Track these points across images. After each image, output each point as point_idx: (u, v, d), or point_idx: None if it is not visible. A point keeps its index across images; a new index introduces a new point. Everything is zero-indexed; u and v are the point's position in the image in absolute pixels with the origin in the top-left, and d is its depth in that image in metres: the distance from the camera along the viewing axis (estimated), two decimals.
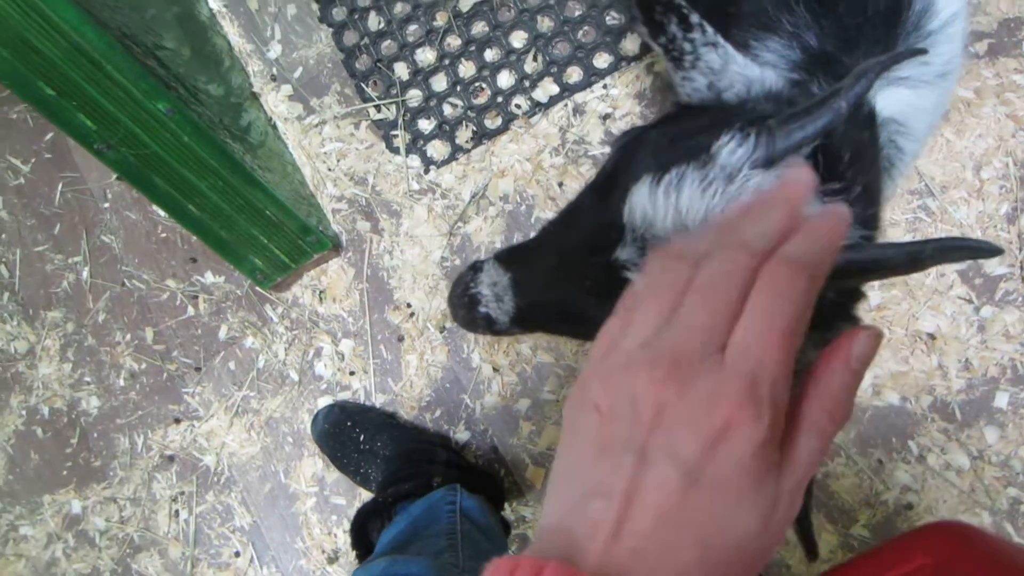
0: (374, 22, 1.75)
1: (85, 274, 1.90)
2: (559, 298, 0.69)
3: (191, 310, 1.84)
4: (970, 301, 1.57)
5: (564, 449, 0.50)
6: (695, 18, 0.64)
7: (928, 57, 0.77)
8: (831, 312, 0.58)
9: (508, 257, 0.76)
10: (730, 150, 0.55)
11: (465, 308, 0.76)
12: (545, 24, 1.70)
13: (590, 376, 0.50)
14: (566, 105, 1.69)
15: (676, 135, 0.60)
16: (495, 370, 1.70)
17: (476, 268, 0.77)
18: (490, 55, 1.71)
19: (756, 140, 0.54)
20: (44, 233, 1.93)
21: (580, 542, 0.44)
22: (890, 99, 0.74)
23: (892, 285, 1.60)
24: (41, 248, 1.93)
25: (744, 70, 0.65)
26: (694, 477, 0.42)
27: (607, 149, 1.68)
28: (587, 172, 1.69)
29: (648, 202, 0.58)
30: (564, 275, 0.67)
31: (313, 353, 1.78)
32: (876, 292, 1.60)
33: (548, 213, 1.68)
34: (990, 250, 0.50)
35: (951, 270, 1.58)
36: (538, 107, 1.69)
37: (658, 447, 0.44)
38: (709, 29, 0.64)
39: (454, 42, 1.73)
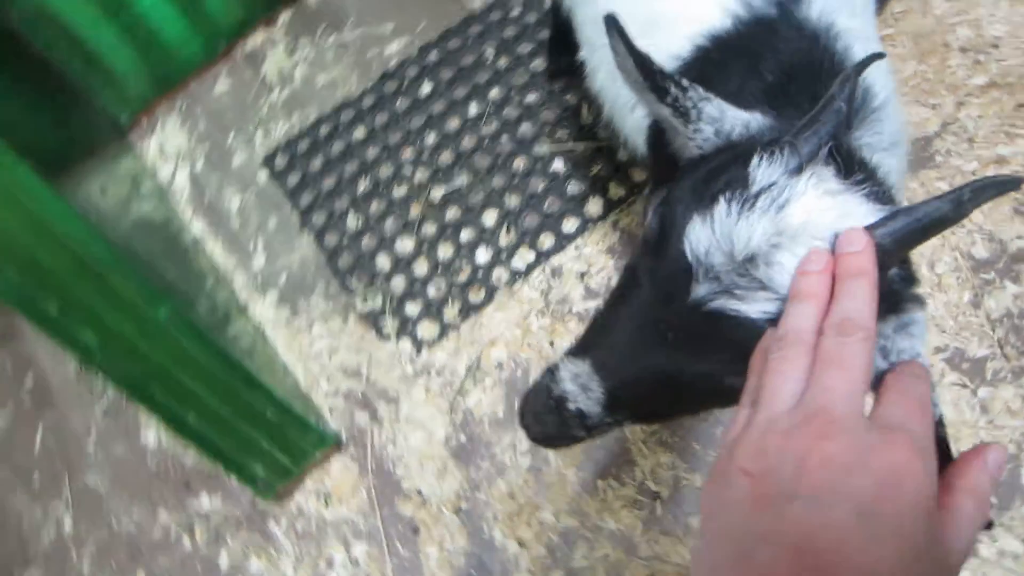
0: (352, 222, 1.87)
1: (68, 524, 1.78)
2: (649, 363, 0.69)
3: (187, 543, 1.72)
4: (965, 386, 1.61)
5: (706, 533, 0.50)
6: (686, 81, 0.74)
7: (879, 128, 0.89)
8: (899, 293, 0.64)
9: (581, 346, 0.77)
10: (765, 168, 0.63)
11: (553, 412, 0.74)
12: (513, 201, 1.84)
13: (726, 456, 0.51)
14: (544, 269, 1.79)
15: (707, 177, 0.67)
16: (521, 545, 1.61)
17: (551, 371, 0.76)
18: (465, 235, 1.82)
19: (783, 153, 0.62)
20: (22, 485, 1.82)
21: None
22: None
23: None
24: (18, 501, 1.81)
25: (739, 114, 0.75)
26: (869, 519, 0.42)
27: (590, 305, 1.75)
28: (575, 328, 1.74)
29: (708, 234, 0.62)
30: (646, 338, 0.69)
31: (325, 564, 1.66)
32: None
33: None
34: (1016, 180, 0.57)
35: (938, 359, 1.64)
36: (518, 275, 1.77)
37: (828, 490, 0.44)
38: (700, 88, 0.74)
39: (430, 229, 1.84)
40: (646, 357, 0.69)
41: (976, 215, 1.75)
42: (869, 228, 0.58)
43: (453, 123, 1.96)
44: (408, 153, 1.94)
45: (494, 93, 1.97)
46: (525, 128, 1.92)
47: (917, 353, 0.64)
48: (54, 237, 1.22)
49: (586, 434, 0.76)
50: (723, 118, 0.74)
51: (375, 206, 1.89)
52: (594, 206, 1.83)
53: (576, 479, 1.61)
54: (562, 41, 1.89)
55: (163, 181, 2.04)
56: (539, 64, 2.00)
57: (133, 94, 2.10)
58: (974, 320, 1.67)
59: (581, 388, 0.73)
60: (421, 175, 1.91)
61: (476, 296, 1.77)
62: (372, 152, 1.95)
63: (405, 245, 1.84)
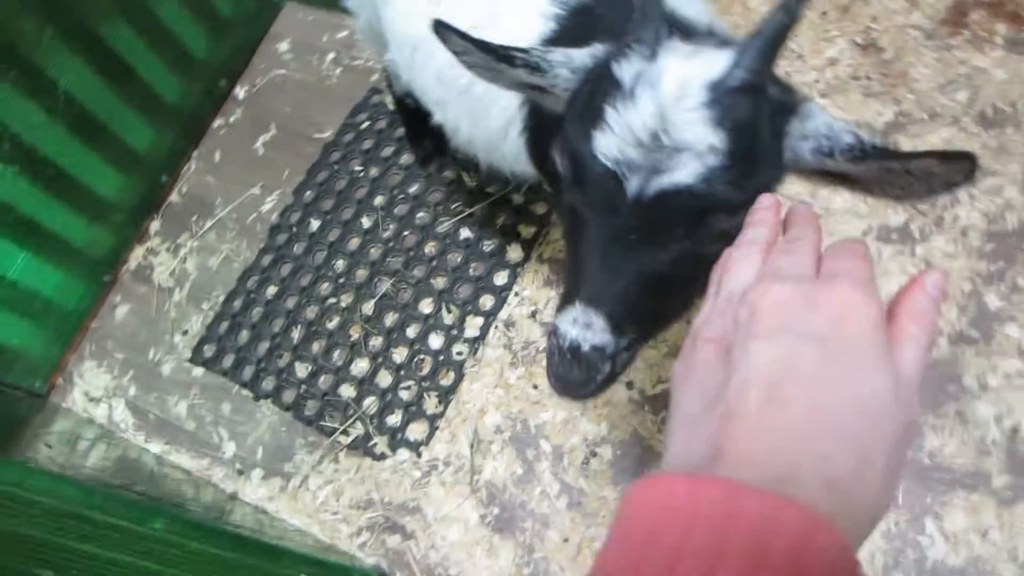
0: (301, 370, 1.85)
1: None
2: (628, 272, 0.74)
3: None
4: (902, 252, 1.71)
5: (676, 396, 0.54)
6: (524, 46, 0.84)
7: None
8: (786, 100, 0.77)
9: (566, 297, 0.80)
10: (627, 66, 0.73)
11: (575, 363, 0.76)
12: (440, 282, 1.88)
13: (692, 334, 0.56)
14: (496, 327, 1.81)
15: (586, 101, 0.77)
16: None
17: (553, 333, 0.79)
18: (412, 331, 1.84)
19: (634, 49, 0.74)
20: None
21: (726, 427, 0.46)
22: None
23: None
24: None
25: (582, 51, 0.85)
26: (828, 348, 0.47)
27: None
28: None
29: (612, 138, 0.70)
30: (615, 253, 0.74)
31: None
32: None
33: (544, 416, 1.70)
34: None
35: (871, 241, 1.74)
36: (476, 343, 1.79)
37: (781, 328, 0.49)
38: (537, 46, 0.83)
39: (376, 342, 1.85)
40: (624, 269, 0.74)
41: (836, 112, 1.90)
42: (735, 63, 0.67)
43: (353, 242, 2.00)
44: (325, 287, 1.96)
45: (379, 201, 2.04)
46: (421, 216, 1.99)
47: (829, 123, 0.75)
48: (23, 502, 1.17)
49: (612, 367, 0.79)
50: (570, 59, 0.83)
51: (316, 346, 1.88)
52: (514, 252, 1.88)
53: (615, 495, 1.59)
54: (417, 129, 2.00)
55: (103, 423, 1.97)
56: (407, 158, 2.09)
57: (39, 361, 2.04)
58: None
59: (585, 327, 0.76)
60: (346, 299, 1.92)
61: (447, 380, 1.77)
62: (291, 301, 1.96)
63: (360, 367, 1.83)
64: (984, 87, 1.84)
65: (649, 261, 0.74)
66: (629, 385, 1.70)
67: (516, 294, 1.85)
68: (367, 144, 2.14)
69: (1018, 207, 1.71)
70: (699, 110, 0.69)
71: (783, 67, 1.98)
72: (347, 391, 1.81)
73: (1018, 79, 1.84)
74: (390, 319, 1.87)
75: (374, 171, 2.09)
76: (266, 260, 2.04)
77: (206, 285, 2.07)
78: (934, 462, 1.52)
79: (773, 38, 0.68)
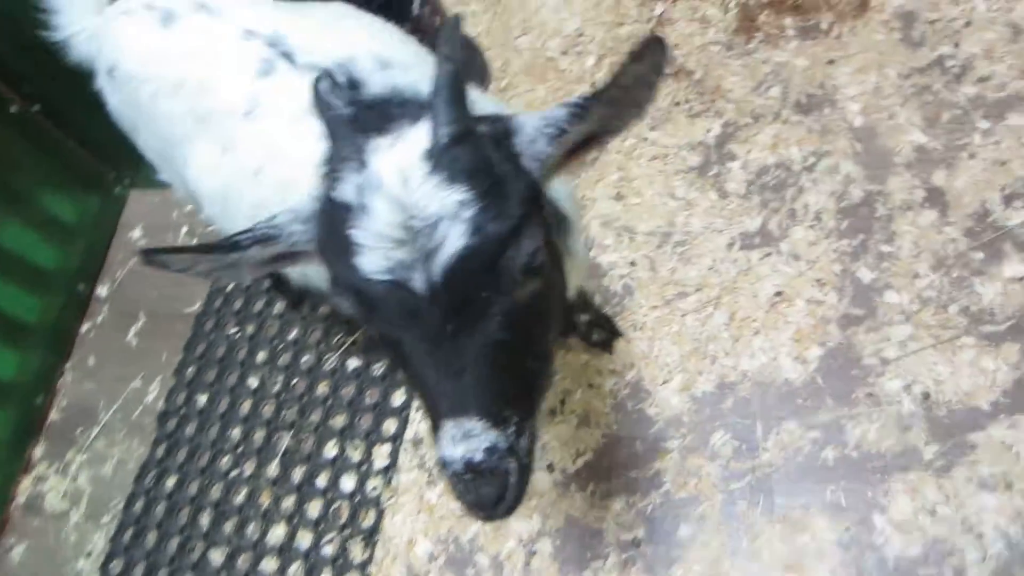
0: (218, 556, 1.74)
1: None
2: (474, 355, 0.74)
3: None
4: (769, 254, 1.73)
5: None
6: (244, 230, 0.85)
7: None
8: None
9: (434, 428, 0.76)
10: (345, 186, 0.75)
11: (482, 480, 0.72)
12: (340, 420, 1.81)
13: None
14: (405, 449, 1.74)
15: (327, 236, 0.78)
16: None
17: (443, 465, 0.74)
18: (322, 481, 1.75)
19: (342, 170, 0.75)
20: None
21: None
22: None
23: None
24: None
25: (301, 203, 0.84)
26: None
27: None
28: None
29: (373, 258, 0.72)
30: (447, 352, 0.73)
31: None
32: None
33: (474, 528, 1.61)
34: None
35: (737, 252, 1.75)
36: (389, 471, 1.71)
37: None
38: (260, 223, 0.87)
39: (288, 502, 1.75)
40: (465, 362, 0.72)
41: (668, 140, 1.95)
42: None
43: (245, 406, 1.92)
44: (225, 461, 1.86)
45: (261, 357, 1.98)
46: (306, 359, 1.93)
47: (542, 116, 0.78)
48: None
49: (518, 460, 0.74)
50: (296, 213, 0.82)
51: (228, 526, 1.77)
52: None
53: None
54: (279, 276, 1.97)
55: None
56: (280, 306, 2.04)
57: None
58: (736, 204, 1.81)
59: (466, 439, 0.71)
60: (249, 467, 1.83)
61: (368, 520, 1.68)
62: (193, 487, 1.86)
63: (277, 534, 1.73)
64: (792, 78, 1.92)
65: (482, 338, 0.72)
66: (549, 468, 1.64)
67: (417, 409, 1.79)
68: (237, 304, 2.10)
69: (858, 178, 1.75)
70: (429, 180, 0.69)
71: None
72: (269, 564, 1.69)
73: (817, 63, 1.92)
74: (298, 474, 1.78)
75: (250, 328, 2.04)
76: (160, 451, 1.95)
77: (103, 496, 1.95)
78: (862, 453, 1.49)
79: (451, 87, 0.70)
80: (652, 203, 1.87)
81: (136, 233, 2.41)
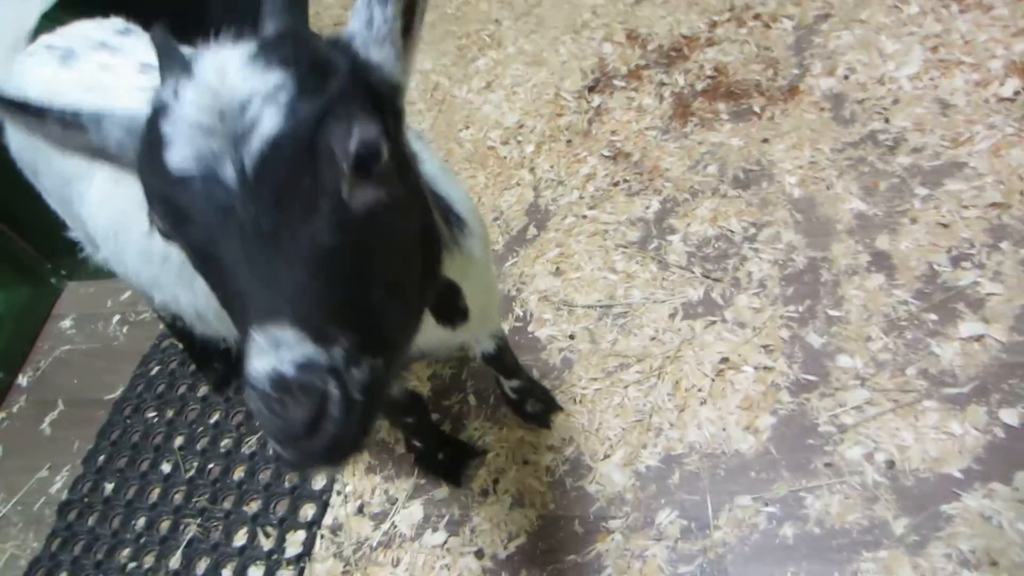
0: None
1: None
2: (294, 254, 0.62)
3: None
4: (714, 322, 1.65)
5: None
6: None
7: None
8: None
9: (243, 344, 0.61)
10: (166, 90, 0.66)
11: (305, 403, 0.57)
12: (254, 506, 1.64)
13: None
14: (322, 536, 1.57)
15: (145, 155, 0.67)
16: None
17: (250, 387, 0.58)
18: (227, 572, 1.55)
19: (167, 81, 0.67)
20: None
21: None
22: None
23: None
24: None
25: (125, 110, 0.76)
26: None
27: (384, 527, 1.55)
28: (388, 558, 1.51)
29: (180, 150, 0.63)
30: (261, 249, 0.61)
31: None
32: None
33: None
34: None
35: (680, 323, 1.68)
36: (301, 559, 1.53)
37: None
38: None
39: None
40: (281, 263, 0.60)
41: (607, 217, 1.92)
42: None
43: (154, 493, 1.75)
44: (123, 554, 1.67)
45: (178, 441, 1.83)
46: (225, 443, 1.78)
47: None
48: None
49: (343, 389, 0.59)
50: (119, 118, 0.74)
51: None
52: None
53: None
54: (202, 352, 1.86)
55: None
56: (204, 390, 1.92)
57: None
58: (677, 276, 1.75)
59: (275, 349, 0.57)
60: (149, 559, 1.64)
61: None
62: None
63: None
64: (728, 156, 1.93)
65: (305, 240, 0.60)
66: (478, 554, 1.47)
67: (338, 493, 1.63)
68: (160, 388, 1.97)
69: (800, 246, 1.71)
70: (246, 67, 0.62)
71: (548, 196, 2.03)
72: None
73: (752, 141, 1.94)
74: (201, 566, 1.59)
75: (170, 413, 1.90)
76: (55, 545, 1.74)
77: None
78: (825, 529, 1.34)
79: None
80: (592, 277, 1.81)
81: (66, 323, 2.31)
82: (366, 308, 0.65)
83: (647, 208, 1.89)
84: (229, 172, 0.60)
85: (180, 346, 2.02)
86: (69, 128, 0.73)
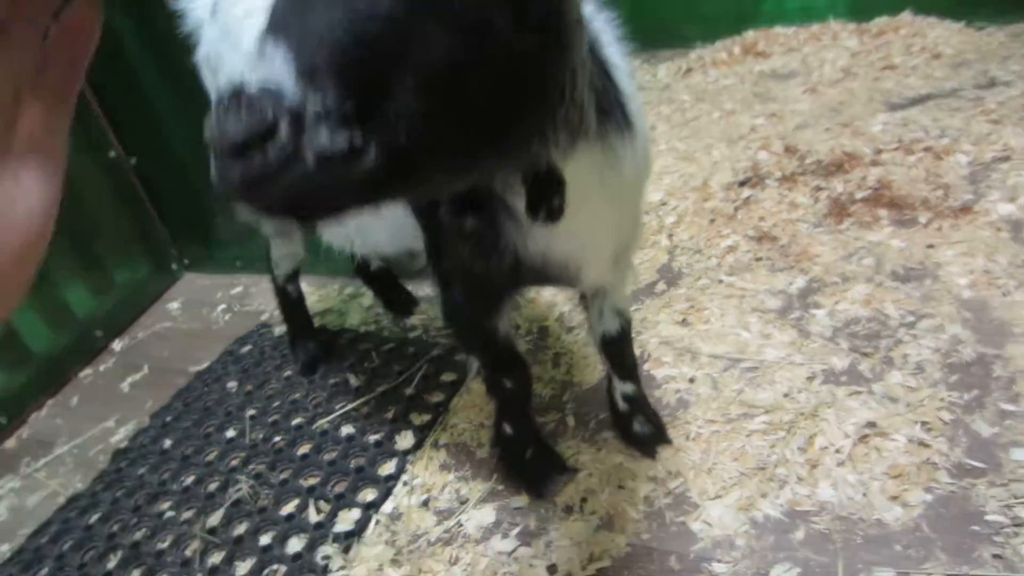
0: None
1: None
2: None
3: None
4: (858, 392, 1.46)
5: None
6: None
7: None
8: None
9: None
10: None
11: (241, 117, 0.47)
12: (310, 481, 1.49)
13: None
14: (377, 521, 1.38)
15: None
16: None
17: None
18: (265, 538, 1.38)
19: None
20: None
21: None
22: None
23: None
24: None
25: None
26: None
27: (448, 525, 1.35)
28: (445, 556, 1.30)
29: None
30: None
31: None
32: None
33: None
34: None
35: (830, 391, 1.49)
36: (349, 538, 1.34)
37: None
38: None
39: (215, 556, 1.37)
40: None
41: (746, 286, 1.80)
42: None
43: (211, 455, 1.63)
44: (163, 504, 1.53)
45: (250, 412, 1.73)
46: (297, 420, 1.66)
47: None
48: None
49: (293, 133, 0.47)
50: None
51: (136, 573, 1.38)
52: (404, 440, 1.54)
53: None
54: (300, 329, 1.81)
55: None
56: (290, 371, 1.84)
57: None
58: (819, 344, 1.58)
59: (257, 60, 0.48)
60: (187, 513, 1.49)
61: None
62: (115, 526, 1.51)
63: None
64: (886, 253, 1.80)
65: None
66: (551, 569, 1.24)
67: (405, 483, 1.46)
68: (247, 364, 1.90)
69: (968, 340, 1.52)
70: None
71: (683, 260, 1.94)
72: None
73: (915, 244, 1.80)
74: (240, 528, 1.42)
75: (250, 386, 1.81)
76: (98, 487, 1.62)
77: (12, 524, 1.60)
78: None
79: None
80: (722, 331, 1.67)
81: (174, 305, 2.33)
82: (392, 90, 0.51)
83: (791, 283, 1.77)
84: None
85: (276, 332, 1.98)
86: None
